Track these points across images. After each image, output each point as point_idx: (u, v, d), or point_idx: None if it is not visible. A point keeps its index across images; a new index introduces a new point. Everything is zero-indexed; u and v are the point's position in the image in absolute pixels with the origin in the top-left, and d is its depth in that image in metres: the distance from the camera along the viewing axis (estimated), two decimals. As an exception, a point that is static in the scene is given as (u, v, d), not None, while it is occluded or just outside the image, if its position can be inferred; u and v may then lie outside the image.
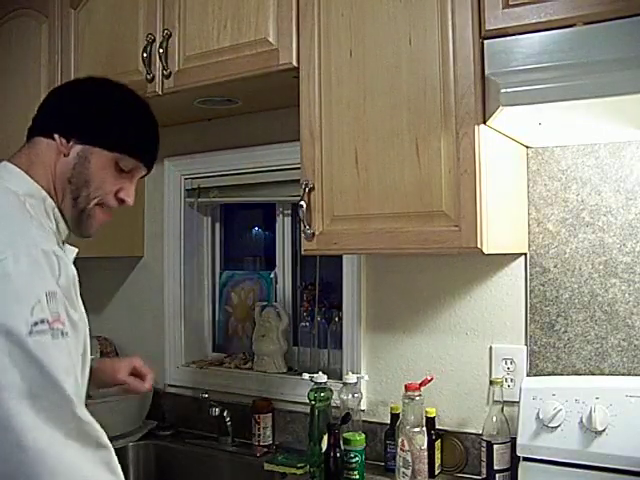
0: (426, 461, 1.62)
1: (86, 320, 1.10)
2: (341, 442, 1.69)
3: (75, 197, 1.18)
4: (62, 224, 1.20)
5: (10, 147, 2.19)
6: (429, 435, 1.65)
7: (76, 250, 1.23)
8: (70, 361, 0.98)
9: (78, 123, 1.19)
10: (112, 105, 1.23)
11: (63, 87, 1.30)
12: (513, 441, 1.58)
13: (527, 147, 1.67)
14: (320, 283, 2.16)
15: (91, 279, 2.54)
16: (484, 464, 1.62)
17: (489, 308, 1.73)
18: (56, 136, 1.17)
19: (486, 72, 1.32)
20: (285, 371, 2.14)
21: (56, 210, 1.18)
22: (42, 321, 0.94)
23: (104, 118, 1.20)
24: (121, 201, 1.24)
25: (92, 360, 1.24)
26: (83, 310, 1.10)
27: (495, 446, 1.59)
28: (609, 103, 1.21)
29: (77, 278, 1.06)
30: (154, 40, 1.81)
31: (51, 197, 1.17)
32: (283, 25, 1.60)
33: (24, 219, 1.07)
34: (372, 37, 1.48)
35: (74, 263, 1.11)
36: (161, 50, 1.79)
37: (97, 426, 1.00)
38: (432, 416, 1.70)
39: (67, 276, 1.02)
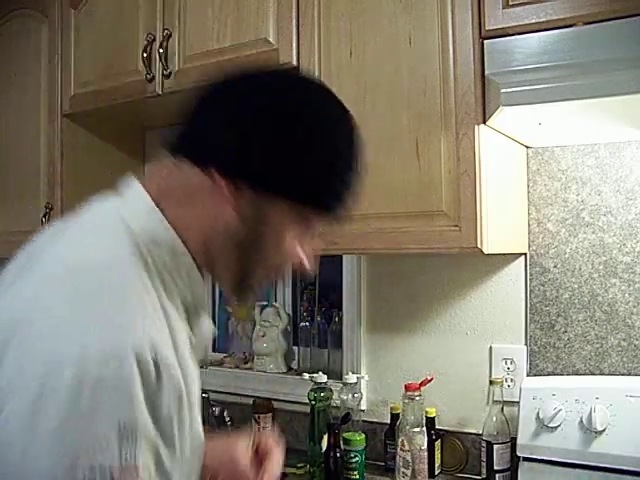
0: (426, 461, 1.62)
1: (199, 446, 0.78)
2: (341, 442, 1.69)
3: (243, 268, 0.82)
4: (199, 287, 0.82)
5: (10, 147, 2.21)
6: (429, 435, 1.65)
7: (213, 330, 0.90)
8: None
9: (253, 159, 0.77)
10: (314, 133, 0.78)
11: (228, 93, 0.83)
12: (513, 441, 1.58)
13: (527, 147, 1.67)
14: (320, 283, 2.16)
15: (91, 279, 2.54)
16: (484, 464, 1.61)
17: (489, 308, 1.73)
18: (216, 174, 0.76)
19: (486, 72, 1.32)
20: (285, 371, 2.14)
21: (195, 272, 0.81)
22: (102, 471, 0.62)
23: (295, 151, 0.77)
24: (298, 266, 0.84)
25: None
26: (199, 432, 0.78)
27: (495, 446, 1.59)
28: (609, 103, 1.21)
29: (198, 392, 0.74)
30: (154, 40, 1.81)
31: (192, 256, 0.80)
32: (283, 25, 1.60)
33: (128, 292, 0.71)
34: (372, 37, 1.48)
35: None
36: (161, 50, 1.79)
37: None
38: (432, 416, 1.70)
39: (172, 390, 0.69)
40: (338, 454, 1.67)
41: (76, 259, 0.72)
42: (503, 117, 1.31)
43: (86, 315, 0.66)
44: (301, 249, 0.83)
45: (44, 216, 2.03)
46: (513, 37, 1.29)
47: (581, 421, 1.48)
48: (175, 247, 0.78)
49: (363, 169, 0.85)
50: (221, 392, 2.15)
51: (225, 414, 2.04)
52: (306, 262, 0.84)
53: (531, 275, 1.68)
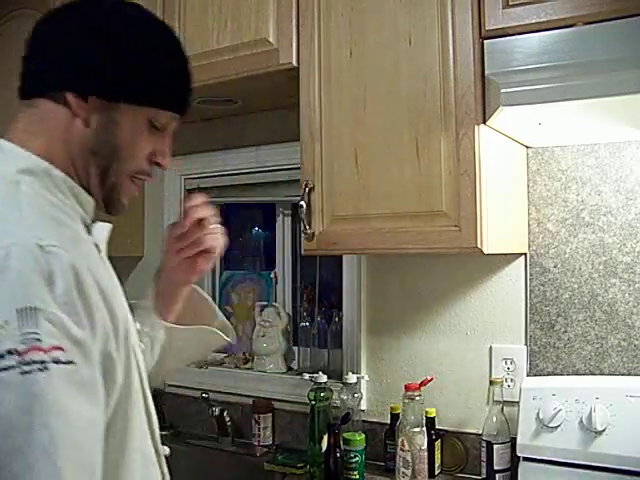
0: (426, 461, 1.62)
1: (123, 322, 0.83)
2: (341, 442, 1.69)
3: (103, 171, 0.90)
4: (84, 196, 0.91)
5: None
6: (429, 435, 1.65)
7: (108, 226, 0.96)
8: (63, 406, 0.68)
9: (96, 74, 0.87)
10: (136, 40, 0.90)
11: (59, 20, 0.92)
12: (513, 441, 1.58)
13: (527, 147, 1.67)
14: (320, 283, 2.16)
15: (91, 279, 2.54)
16: (484, 464, 1.61)
17: (489, 308, 1.73)
18: (69, 95, 0.86)
19: (486, 72, 1.32)
20: (285, 371, 2.14)
21: (69, 181, 0.88)
22: (9, 352, 0.66)
23: (128, 62, 0.88)
24: (157, 164, 0.96)
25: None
26: (122, 310, 0.85)
27: (495, 446, 1.59)
28: (609, 103, 1.21)
29: (83, 274, 0.76)
30: (154, 40, 1.81)
31: (70, 176, 0.88)
32: (283, 25, 1.60)
33: (7, 206, 0.79)
34: (372, 37, 1.48)
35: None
36: (161, 50, 1.79)
37: None
38: (432, 416, 1.70)
39: (65, 276, 0.73)
40: (338, 454, 1.67)
41: None
42: (503, 117, 1.31)
43: None
44: (157, 149, 0.94)
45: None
46: (513, 37, 1.28)
47: (581, 421, 1.48)
48: (48, 170, 0.86)
49: (190, 68, 1.00)
50: (221, 392, 2.15)
51: (225, 414, 2.04)
52: (163, 161, 0.96)
53: (531, 275, 1.68)
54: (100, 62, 0.87)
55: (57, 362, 0.68)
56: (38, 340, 0.68)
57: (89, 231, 0.90)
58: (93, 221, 0.92)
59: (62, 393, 0.69)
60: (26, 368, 0.66)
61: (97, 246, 0.90)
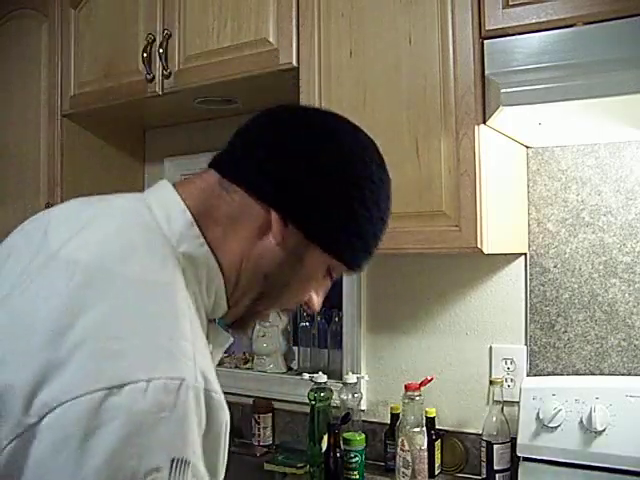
0: (426, 461, 1.62)
1: None
2: (341, 442, 1.69)
3: (260, 296, 0.84)
4: (223, 308, 0.83)
5: (10, 147, 2.21)
6: (429, 435, 1.65)
7: (231, 340, 0.88)
8: None
9: (310, 208, 0.80)
10: (359, 197, 0.83)
11: (293, 126, 0.84)
12: (513, 441, 1.58)
13: (527, 147, 1.67)
14: (320, 283, 2.16)
15: (91, 279, 2.54)
16: (484, 464, 1.61)
17: (489, 308, 1.73)
18: (274, 214, 0.79)
19: (486, 72, 1.32)
20: (285, 371, 2.14)
21: (222, 287, 0.81)
22: None
23: (343, 211, 0.82)
24: (307, 305, 0.90)
25: None
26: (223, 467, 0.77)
27: (495, 446, 1.59)
28: (609, 103, 1.21)
29: (228, 427, 0.73)
30: (154, 40, 1.81)
31: (225, 281, 0.80)
32: (283, 25, 1.60)
33: (177, 311, 0.70)
34: (372, 37, 1.48)
35: None
36: (161, 50, 1.79)
37: None
38: (432, 416, 1.70)
39: (216, 432, 0.70)
40: (338, 454, 1.67)
41: (130, 272, 0.71)
42: (503, 117, 1.31)
43: (147, 338, 0.66)
44: (315, 292, 0.88)
45: (44, 216, 2.03)
46: (513, 37, 1.28)
47: (581, 421, 1.47)
48: (211, 268, 0.78)
49: (382, 233, 0.91)
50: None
51: (225, 414, 2.04)
52: (316, 305, 0.89)
53: (531, 275, 1.68)
54: (317, 200, 0.81)
55: None
56: None
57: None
58: (210, 320, 0.83)
59: None
60: None
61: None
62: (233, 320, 0.86)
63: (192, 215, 0.78)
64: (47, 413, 0.61)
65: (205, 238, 0.78)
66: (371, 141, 0.89)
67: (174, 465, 0.62)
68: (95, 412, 0.60)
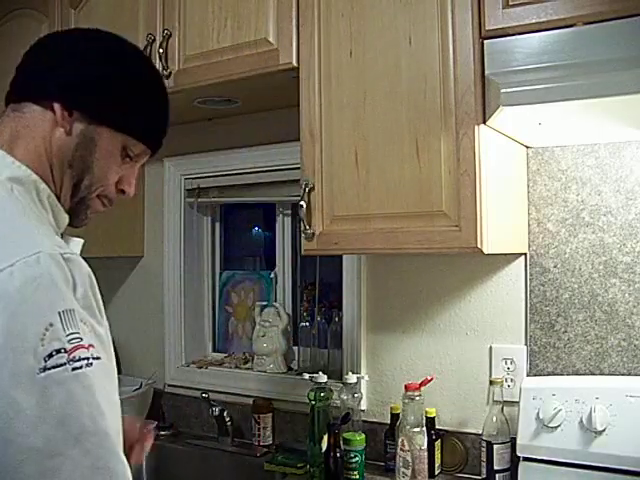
0: (426, 461, 1.62)
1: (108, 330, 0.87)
2: (341, 442, 1.69)
3: (75, 184, 0.96)
4: (62, 213, 0.96)
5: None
6: (429, 435, 1.65)
7: (81, 241, 1.01)
8: (106, 396, 0.77)
9: (87, 93, 0.93)
10: (127, 75, 0.98)
11: (62, 39, 1.01)
12: (513, 441, 1.58)
13: (527, 147, 1.67)
14: (320, 283, 2.16)
15: (91, 279, 2.54)
16: (484, 464, 1.62)
17: (489, 308, 1.73)
18: (56, 106, 0.92)
19: (486, 72, 1.32)
20: (285, 371, 2.14)
21: (52, 197, 0.94)
22: (58, 351, 0.73)
23: (118, 91, 0.96)
24: (122, 192, 1.03)
25: None
26: (105, 317, 0.87)
27: (495, 446, 1.59)
28: (609, 103, 1.21)
29: (93, 277, 0.83)
30: (154, 40, 1.81)
31: (45, 182, 0.93)
32: (283, 25, 1.60)
33: (16, 213, 0.84)
34: (372, 37, 1.48)
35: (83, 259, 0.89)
36: (161, 50, 1.79)
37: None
38: (432, 416, 1.70)
39: (83, 281, 0.80)
40: (338, 454, 1.67)
41: None
42: (503, 117, 1.31)
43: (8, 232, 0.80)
44: (125, 175, 1.01)
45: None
46: (513, 37, 1.28)
47: (581, 421, 1.48)
48: (32, 179, 0.90)
49: (167, 111, 1.07)
50: (221, 392, 2.15)
51: (225, 414, 2.04)
52: (128, 189, 1.03)
53: (531, 275, 1.68)
54: (92, 82, 0.94)
55: (95, 358, 0.76)
56: (80, 339, 0.75)
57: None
58: (62, 235, 0.96)
59: (105, 384, 0.78)
60: (76, 364, 0.74)
61: None
62: (68, 214, 0.98)
63: (3, 149, 0.91)
64: None
65: (19, 160, 0.90)
66: (135, 46, 1.04)
67: (62, 316, 0.75)
68: None
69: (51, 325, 0.74)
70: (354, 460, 1.69)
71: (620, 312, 1.57)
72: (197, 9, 1.75)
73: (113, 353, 0.83)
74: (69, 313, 0.75)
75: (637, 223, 1.56)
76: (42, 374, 0.72)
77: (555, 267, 1.65)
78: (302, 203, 1.54)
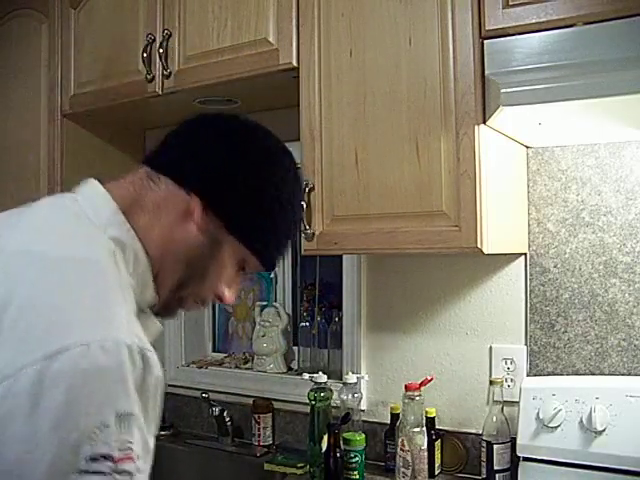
0: (426, 461, 1.62)
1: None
2: (341, 442, 1.69)
3: (183, 281, 0.89)
4: (150, 291, 0.87)
5: (10, 147, 2.21)
6: (429, 435, 1.65)
7: (161, 328, 0.93)
8: None
9: (230, 200, 0.87)
10: (276, 197, 0.91)
11: (220, 127, 0.93)
12: (513, 441, 1.58)
13: (527, 147, 1.67)
14: (320, 283, 2.16)
15: (91, 279, 2.54)
16: (484, 464, 1.61)
17: (489, 308, 1.73)
18: (196, 200, 0.85)
19: (486, 72, 1.32)
20: (285, 371, 2.14)
21: (149, 272, 0.86)
22: (105, 457, 0.64)
23: (260, 207, 0.89)
24: (219, 299, 0.95)
25: None
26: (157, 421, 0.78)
27: (495, 446, 1.59)
28: (609, 103, 1.21)
29: (162, 383, 0.76)
30: (154, 40, 1.81)
31: (151, 264, 0.86)
32: (283, 25, 1.60)
33: (110, 286, 0.75)
34: (372, 37, 1.47)
35: None
36: (161, 50, 1.79)
37: None
38: (432, 416, 1.70)
39: (154, 385, 0.73)
40: (338, 454, 1.67)
41: (56, 251, 0.75)
42: (503, 117, 1.31)
43: (79, 305, 0.70)
44: (227, 285, 0.94)
45: (44, 216, 2.03)
46: (513, 37, 1.28)
47: (581, 421, 1.47)
48: (137, 251, 0.83)
49: (295, 235, 1.02)
50: (221, 392, 2.15)
51: (225, 414, 2.04)
52: (228, 297, 0.94)
53: (531, 275, 1.68)
54: (237, 190, 0.87)
55: (138, 471, 0.68)
56: (131, 449, 0.67)
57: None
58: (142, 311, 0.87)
59: None
60: (118, 477, 0.65)
61: None
62: (159, 307, 0.90)
63: (117, 204, 0.84)
64: None
65: (131, 225, 0.83)
66: (289, 150, 0.98)
67: (120, 419, 0.66)
68: (38, 381, 0.63)
69: (106, 426, 0.65)
70: (354, 460, 1.69)
71: (620, 312, 1.57)
72: (197, 9, 1.75)
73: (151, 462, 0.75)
74: (128, 417, 0.67)
75: (637, 223, 1.56)
76: (78, 476, 0.63)
77: (555, 267, 1.65)
78: (302, 203, 1.54)
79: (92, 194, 0.85)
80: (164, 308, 0.91)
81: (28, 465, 0.63)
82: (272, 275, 2.28)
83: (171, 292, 0.89)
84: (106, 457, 0.64)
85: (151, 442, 0.73)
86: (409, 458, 1.60)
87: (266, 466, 1.86)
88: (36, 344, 0.65)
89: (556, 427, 1.50)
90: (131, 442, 0.67)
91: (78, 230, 0.80)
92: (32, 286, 0.71)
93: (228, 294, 0.94)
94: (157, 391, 0.74)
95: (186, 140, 0.91)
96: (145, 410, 0.71)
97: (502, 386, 1.64)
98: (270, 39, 1.62)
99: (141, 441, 0.69)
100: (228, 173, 0.87)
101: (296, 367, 2.17)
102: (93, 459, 0.64)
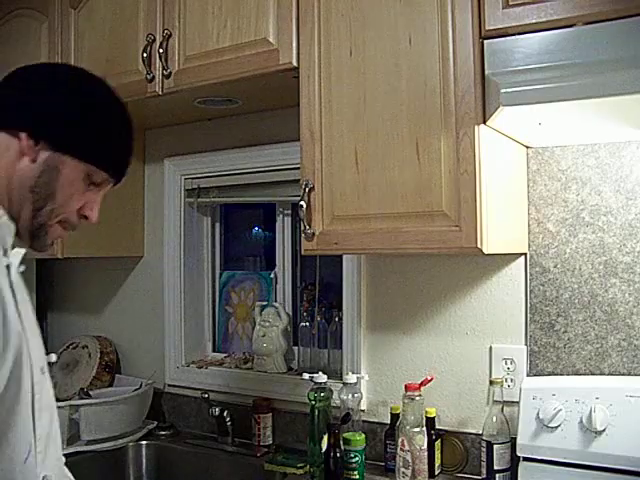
0: (426, 461, 1.62)
1: (18, 337, 0.91)
2: (341, 442, 1.69)
3: (36, 209, 1.00)
4: (6, 223, 1.00)
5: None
6: (429, 435, 1.65)
7: (23, 251, 1.04)
8: None
9: (52, 125, 0.99)
10: (92, 107, 1.03)
11: (31, 72, 1.05)
12: (513, 441, 1.58)
13: (527, 147, 1.67)
14: (320, 283, 2.16)
15: (91, 279, 2.55)
16: (484, 464, 1.61)
17: (489, 308, 1.73)
18: (23, 135, 0.97)
19: (486, 72, 1.32)
20: (285, 371, 2.14)
21: (4, 218, 0.99)
22: None
23: (82, 122, 1.01)
24: (84, 217, 1.07)
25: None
26: (16, 326, 0.91)
27: (495, 446, 1.59)
28: (609, 103, 1.21)
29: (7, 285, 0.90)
30: (154, 40, 1.81)
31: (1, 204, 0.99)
32: (283, 25, 1.60)
33: None
34: (372, 37, 1.48)
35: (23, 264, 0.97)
36: (161, 50, 1.79)
37: None
38: (432, 416, 1.70)
39: None
40: (338, 454, 1.67)
41: None
42: (503, 117, 1.31)
43: None
44: (87, 202, 1.05)
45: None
46: (513, 37, 1.28)
47: (581, 421, 1.47)
48: None
49: (131, 141, 1.11)
50: (221, 392, 2.15)
51: (225, 414, 2.04)
52: (90, 214, 1.06)
53: (531, 275, 1.68)
54: (59, 113, 0.99)
55: None
56: None
57: (5, 254, 0.99)
58: (13, 247, 1.01)
59: None
60: None
61: (8, 267, 0.97)
62: (28, 237, 1.02)
63: None
64: None
65: None
66: (96, 76, 1.09)
67: None
68: None
69: None
70: (354, 460, 1.69)
71: (620, 312, 1.57)
72: (197, 9, 1.75)
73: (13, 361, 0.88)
74: None
75: (637, 223, 1.56)
76: None
77: (555, 267, 1.65)
78: (302, 203, 1.54)
79: None
80: (33, 239, 1.03)
81: None
82: (272, 275, 2.28)
83: (30, 222, 1.00)
84: None
85: None
86: (409, 458, 1.60)
87: (266, 466, 1.86)
88: None
89: (556, 427, 1.50)
90: None
91: None
92: None
93: (90, 212, 1.06)
94: None
95: (2, 90, 1.02)
96: None
97: (502, 386, 1.64)
98: (270, 39, 1.62)
99: None
100: (48, 100, 0.99)
101: (296, 367, 2.17)
102: None
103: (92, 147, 1.02)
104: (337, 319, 2.03)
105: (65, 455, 1.11)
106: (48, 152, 0.99)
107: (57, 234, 1.05)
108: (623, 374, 1.56)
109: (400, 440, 1.61)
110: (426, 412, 1.67)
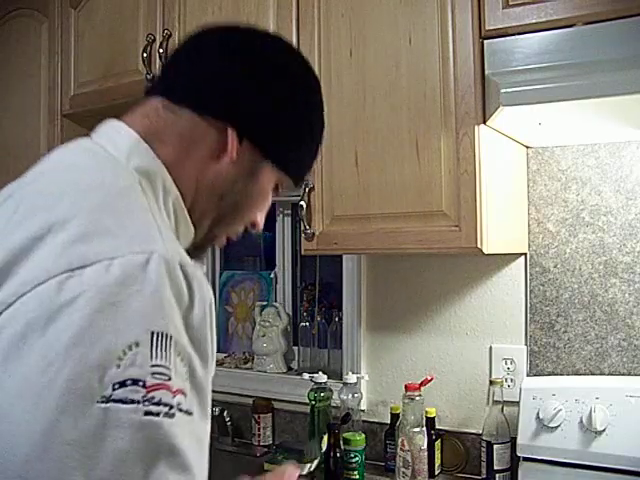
0: (426, 461, 1.62)
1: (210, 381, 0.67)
2: (341, 442, 1.69)
3: (217, 220, 0.83)
4: (188, 226, 0.79)
5: (10, 147, 2.21)
6: (429, 435, 1.64)
7: (204, 267, 0.90)
8: (194, 460, 0.58)
9: (261, 125, 0.81)
10: (307, 106, 0.87)
11: (241, 47, 0.82)
12: (513, 441, 1.58)
13: (527, 147, 1.67)
14: (320, 283, 2.16)
15: (91, 279, 2.54)
16: (484, 464, 1.61)
17: (489, 308, 1.73)
18: (230, 130, 0.78)
19: (486, 72, 1.32)
20: (285, 371, 2.14)
21: (180, 202, 0.77)
22: (135, 382, 0.54)
23: (290, 125, 0.84)
24: (252, 226, 0.91)
25: None
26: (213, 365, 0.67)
27: (495, 446, 1.59)
28: (609, 103, 1.21)
29: (213, 308, 0.67)
30: (154, 40, 1.81)
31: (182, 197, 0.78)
32: (283, 25, 1.60)
33: (138, 206, 0.68)
34: (372, 37, 1.48)
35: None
36: (161, 50, 1.79)
37: None
38: (432, 416, 1.70)
39: (202, 307, 0.63)
40: (338, 454, 1.67)
41: (84, 181, 0.68)
42: (503, 117, 1.31)
43: (116, 226, 0.63)
44: (263, 211, 0.90)
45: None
46: (513, 37, 1.28)
47: (581, 421, 1.47)
48: (165, 180, 0.75)
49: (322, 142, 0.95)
50: (221, 392, 2.15)
51: (225, 414, 2.04)
52: (261, 225, 0.91)
53: (531, 275, 1.68)
54: (268, 113, 0.81)
55: (180, 410, 0.57)
56: (168, 377, 0.56)
57: None
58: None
59: (188, 448, 0.57)
60: (152, 408, 0.55)
61: None
62: (192, 250, 0.81)
63: (139, 134, 0.76)
64: (4, 309, 0.57)
65: (158, 155, 0.75)
66: (313, 70, 0.94)
67: (155, 339, 0.56)
68: (55, 294, 0.56)
69: (137, 345, 0.55)
70: (354, 460, 1.69)
71: (620, 312, 1.57)
72: (197, 9, 1.75)
73: (209, 413, 0.63)
74: (165, 338, 0.57)
75: (637, 223, 1.56)
76: (103, 405, 0.53)
77: (555, 267, 1.65)
78: (302, 203, 1.54)
79: (106, 129, 0.79)
80: (196, 247, 0.83)
81: (43, 387, 0.53)
82: (272, 275, 2.28)
83: (206, 231, 0.83)
84: (136, 382, 0.54)
85: (202, 376, 0.61)
86: (409, 458, 1.60)
87: (266, 466, 1.85)
88: (58, 258, 0.59)
89: (556, 427, 1.50)
90: (168, 368, 0.56)
91: (98, 164, 0.72)
92: (67, 209, 0.64)
93: (260, 220, 0.90)
94: (206, 317, 0.63)
95: (200, 62, 0.81)
96: (196, 339, 0.61)
97: (502, 386, 1.63)
98: (270, 39, 1.62)
99: (185, 373, 0.58)
100: (258, 98, 0.80)
101: (296, 367, 2.17)
102: (121, 384, 0.54)
103: (293, 154, 0.86)
104: (337, 319, 2.03)
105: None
106: (250, 155, 0.80)
107: (220, 244, 0.90)
108: (623, 374, 1.56)
109: (400, 440, 1.61)
110: (426, 412, 1.67)
